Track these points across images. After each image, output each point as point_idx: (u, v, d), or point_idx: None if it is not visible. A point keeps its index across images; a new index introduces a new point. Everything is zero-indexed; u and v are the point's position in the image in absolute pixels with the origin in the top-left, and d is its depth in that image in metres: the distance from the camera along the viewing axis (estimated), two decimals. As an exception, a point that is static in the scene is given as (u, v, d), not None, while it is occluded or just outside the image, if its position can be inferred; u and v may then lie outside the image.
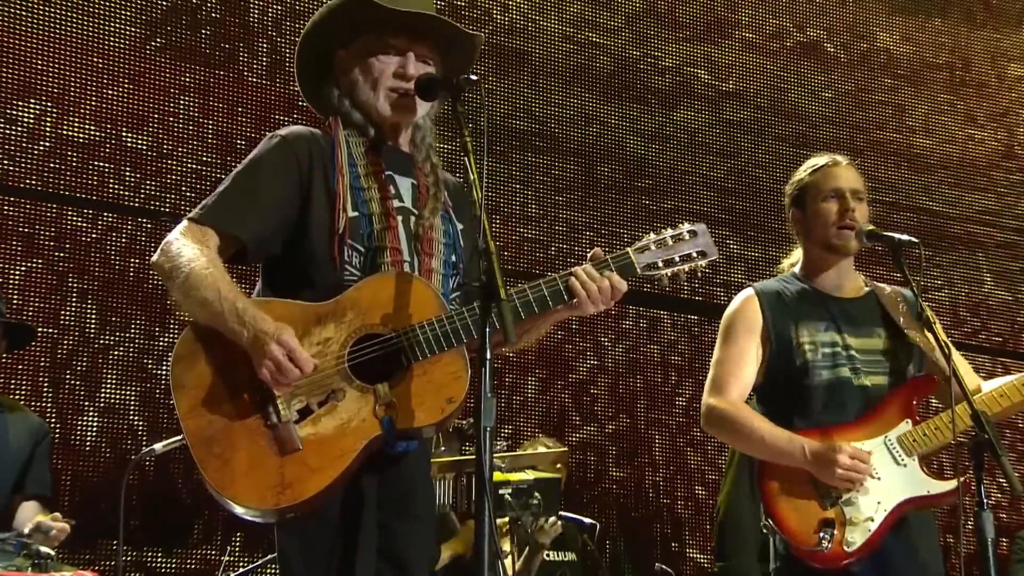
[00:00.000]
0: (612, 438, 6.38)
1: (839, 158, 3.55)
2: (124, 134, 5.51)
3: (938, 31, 7.80)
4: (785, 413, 3.40)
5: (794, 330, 3.41)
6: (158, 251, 2.56)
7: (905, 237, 3.31)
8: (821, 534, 3.22)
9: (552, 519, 4.66)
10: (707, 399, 3.45)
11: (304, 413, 2.47)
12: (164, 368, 5.38)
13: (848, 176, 3.49)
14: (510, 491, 4.39)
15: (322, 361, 2.47)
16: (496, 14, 6.51)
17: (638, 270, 2.65)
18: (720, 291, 6.60)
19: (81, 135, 5.42)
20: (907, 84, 7.61)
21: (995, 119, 7.79)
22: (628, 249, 2.67)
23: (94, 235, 5.39)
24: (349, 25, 2.73)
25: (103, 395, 5.28)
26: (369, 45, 2.71)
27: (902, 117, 7.53)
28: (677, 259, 2.68)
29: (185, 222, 2.59)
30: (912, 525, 3.30)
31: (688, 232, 2.71)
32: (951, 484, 3.22)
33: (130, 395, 5.32)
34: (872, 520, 3.24)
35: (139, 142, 5.53)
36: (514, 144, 6.43)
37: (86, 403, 5.25)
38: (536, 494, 4.41)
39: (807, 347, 3.38)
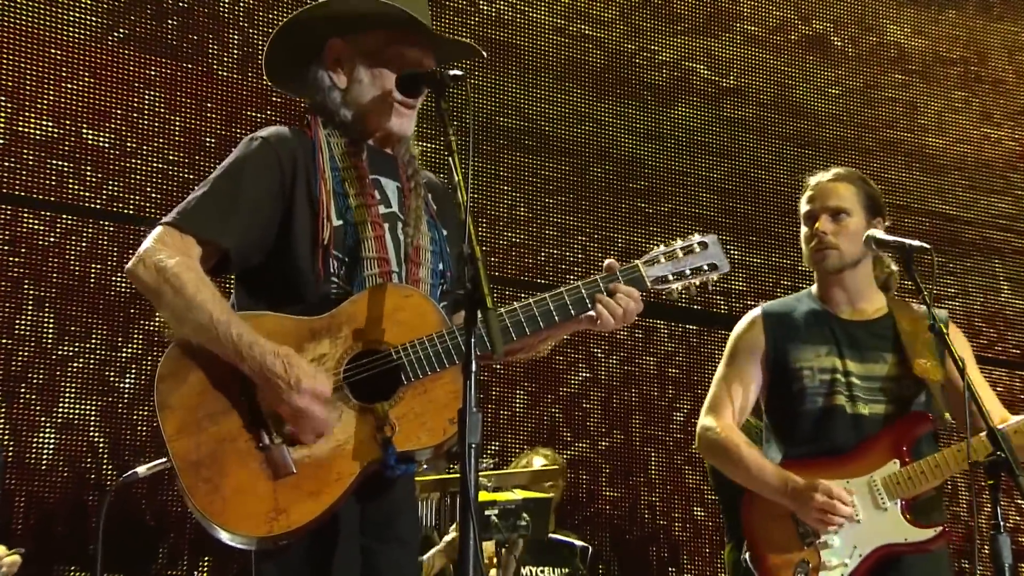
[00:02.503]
0: (605, 455, 6.39)
1: (825, 174, 3.67)
2: (84, 131, 5.50)
3: (952, 23, 7.85)
4: (784, 439, 3.55)
5: (794, 354, 3.54)
6: (136, 261, 2.53)
7: (916, 243, 3.35)
8: (795, 573, 3.35)
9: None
10: (702, 419, 3.62)
11: None
12: (127, 381, 5.37)
13: (824, 194, 3.61)
14: (496, 512, 4.39)
15: None
16: (483, 5, 6.52)
17: (648, 284, 2.71)
18: (720, 299, 6.62)
19: (38, 132, 5.41)
20: (919, 80, 7.66)
21: (1012, 117, 7.84)
22: (637, 262, 2.72)
23: (52, 239, 5.38)
24: (362, 17, 2.72)
25: (61, 410, 5.26)
26: (378, 47, 2.72)
27: (913, 115, 7.57)
28: (688, 272, 2.75)
29: (161, 228, 2.57)
30: (913, 566, 3.39)
31: (699, 244, 2.77)
32: (930, 533, 3.36)
33: (90, 410, 5.30)
34: (845, 566, 3.36)
35: (101, 139, 5.52)
36: (502, 143, 6.44)
37: (42, 419, 5.23)
38: (524, 515, 4.41)
39: (804, 372, 3.52)
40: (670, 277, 2.73)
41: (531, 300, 2.63)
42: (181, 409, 2.46)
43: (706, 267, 2.75)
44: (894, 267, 3.70)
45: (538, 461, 5.38)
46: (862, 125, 7.41)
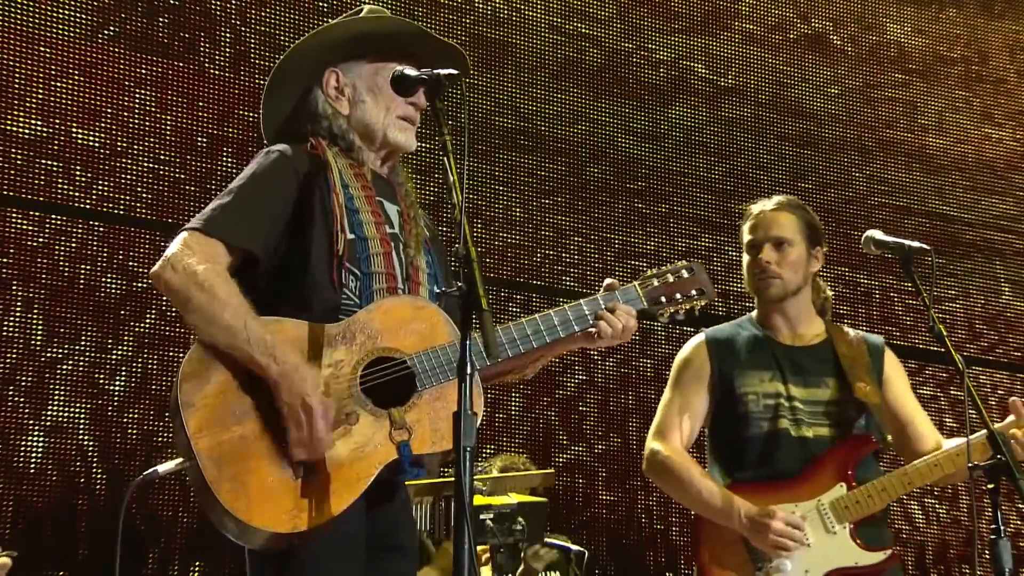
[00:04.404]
0: (602, 459, 6.39)
1: (769, 203, 3.78)
2: (74, 130, 5.50)
3: (953, 22, 7.86)
4: (728, 464, 3.67)
5: (738, 379, 3.66)
6: (163, 264, 2.58)
7: (916, 244, 3.41)
8: None
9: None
10: (650, 443, 3.73)
11: None
12: (117, 384, 5.37)
13: (767, 223, 3.73)
14: (491, 516, 4.40)
15: (334, 384, 2.58)
16: (479, 3, 6.53)
17: (645, 304, 2.86)
18: (718, 301, 6.62)
19: (27, 131, 5.41)
20: (919, 79, 7.67)
21: (1013, 117, 7.85)
22: (634, 283, 2.88)
23: (41, 239, 5.38)
24: (356, 40, 2.85)
25: (50, 413, 5.26)
26: (376, 68, 2.86)
27: (914, 115, 7.59)
28: (679, 297, 2.91)
29: (187, 233, 2.63)
30: None
31: (686, 269, 2.93)
32: (881, 556, 3.48)
33: (79, 413, 5.30)
34: None
35: (90, 139, 5.52)
36: (497, 143, 6.45)
37: (31, 422, 5.23)
38: (520, 519, 4.42)
39: (749, 397, 3.64)
40: (663, 300, 2.90)
41: (535, 316, 2.76)
42: (205, 408, 2.53)
43: (695, 292, 2.92)
44: (829, 293, 3.86)
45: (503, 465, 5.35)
46: (862, 125, 7.42)
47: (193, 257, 2.57)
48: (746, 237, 3.78)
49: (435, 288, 2.85)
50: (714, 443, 3.77)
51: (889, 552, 3.49)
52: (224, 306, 2.53)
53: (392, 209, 2.85)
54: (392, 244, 2.78)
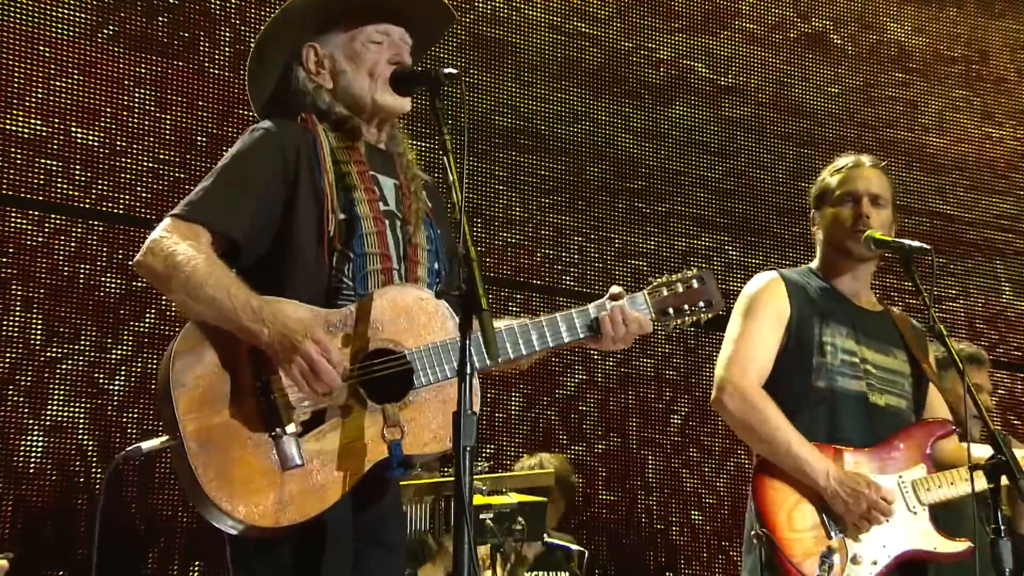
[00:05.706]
0: (602, 459, 6.39)
1: (864, 159, 3.64)
2: (73, 129, 5.49)
3: (953, 21, 7.86)
4: (789, 414, 3.40)
5: (818, 327, 3.45)
6: (144, 251, 2.56)
7: (916, 243, 3.40)
8: (821, 562, 3.23)
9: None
10: (725, 375, 3.44)
11: (308, 427, 2.51)
12: (117, 383, 5.37)
13: (868, 179, 3.59)
14: (492, 516, 4.39)
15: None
16: (479, 2, 6.53)
17: (652, 315, 2.79)
18: (719, 301, 6.61)
19: (26, 130, 5.41)
20: (919, 78, 7.67)
21: (1014, 116, 7.85)
22: (643, 292, 2.80)
23: (40, 238, 5.38)
24: (324, 14, 2.79)
25: (49, 413, 5.26)
26: (352, 33, 2.78)
27: (914, 114, 7.59)
28: (687, 308, 2.81)
29: (169, 220, 2.60)
30: (940, 569, 3.40)
31: (696, 279, 2.83)
32: (960, 546, 3.35)
33: (79, 412, 5.30)
34: (876, 564, 3.32)
35: (90, 138, 5.51)
36: (497, 142, 6.45)
37: (30, 421, 5.23)
38: (520, 519, 4.41)
39: (828, 349, 3.44)
40: (671, 312, 2.81)
41: (541, 319, 2.69)
42: (196, 389, 2.48)
43: (703, 304, 2.82)
44: None
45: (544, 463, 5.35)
46: (862, 124, 7.41)
47: (172, 239, 2.54)
48: (839, 189, 3.57)
49: (435, 265, 2.80)
50: (774, 388, 3.45)
51: (969, 545, 3.34)
52: (205, 279, 2.48)
53: (388, 183, 2.78)
54: (387, 222, 2.72)
